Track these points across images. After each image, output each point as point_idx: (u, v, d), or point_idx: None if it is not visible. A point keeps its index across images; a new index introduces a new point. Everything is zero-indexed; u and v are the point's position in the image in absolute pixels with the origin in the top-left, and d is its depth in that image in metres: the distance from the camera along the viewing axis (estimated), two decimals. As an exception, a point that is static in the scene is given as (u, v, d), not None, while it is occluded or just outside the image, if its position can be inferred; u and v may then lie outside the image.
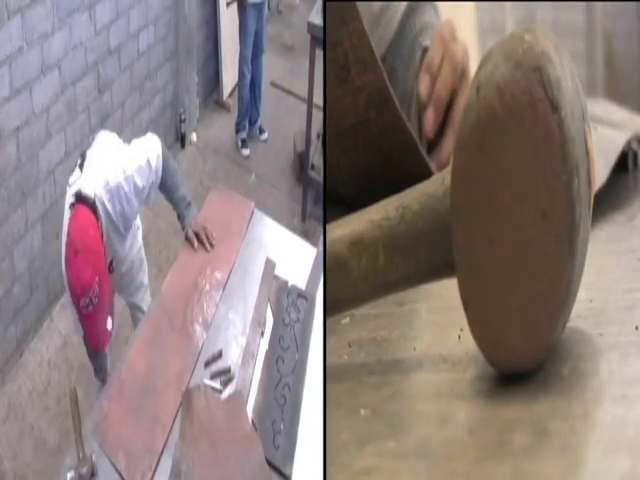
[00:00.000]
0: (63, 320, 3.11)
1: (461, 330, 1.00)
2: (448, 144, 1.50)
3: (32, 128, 2.74)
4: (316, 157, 3.95)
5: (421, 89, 1.50)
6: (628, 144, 1.48)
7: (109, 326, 2.11)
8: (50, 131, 2.89)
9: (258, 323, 1.94)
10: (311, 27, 3.56)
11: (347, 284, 1.00)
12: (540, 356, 0.89)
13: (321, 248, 2.21)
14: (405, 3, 1.66)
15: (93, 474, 1.48)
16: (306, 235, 3.14)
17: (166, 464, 1.52)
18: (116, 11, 3.32)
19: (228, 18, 4.81)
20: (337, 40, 1.32)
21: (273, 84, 5.23)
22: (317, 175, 3.88)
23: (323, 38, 1.36)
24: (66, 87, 2.97)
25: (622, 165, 1.48)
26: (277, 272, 2.15)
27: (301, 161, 4.23)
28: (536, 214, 0.85)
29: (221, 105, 4.99)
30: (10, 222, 2.70)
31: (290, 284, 2.11)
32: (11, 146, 2.62)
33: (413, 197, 0.99)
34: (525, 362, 0.89)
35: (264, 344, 1.88)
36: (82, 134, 3.18)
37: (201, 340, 1.86)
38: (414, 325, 1.15)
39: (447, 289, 1.00)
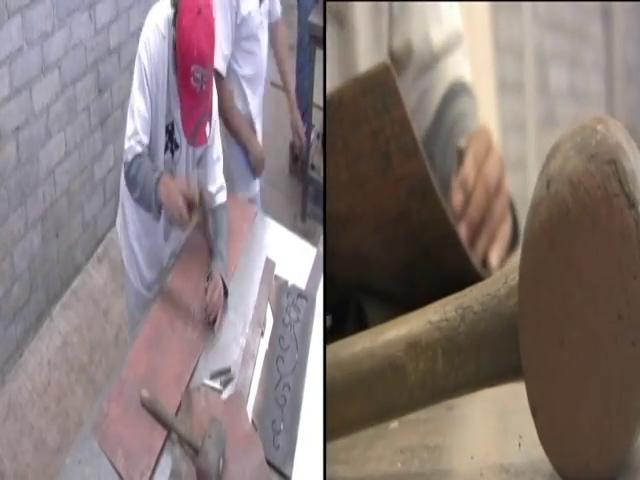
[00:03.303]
0: (63, 320, 3.11)
1: (520, 437, 0.93)
2: (476, 257, 1.44)
3: (32, 128, 2.74)
4: (316, 157, 3.95)
5: (455, 202, 1.46)
6: None
7: (207, 129, 1.96)
8: (50, 131, 2.89)
9: (258, 323, 1.94)
10: (311, 27, 3.56)
11: (403, 389, 0.93)
12: (615, 468, 0.82)
13: (321, 248, 2.21)
14: (442, 92, 1.66)
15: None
16: (306, 235, 3.14)
17: (166, 464, 1.52)
18: (116, 11, 3.32)
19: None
20: (379, 128, 1.26)
21: (273, 84, 5.22)
22: (317, 175, 3.87)
23: (323, 38, 1.34)
24: (66, 87, 2.97)
25: None
26: (277, 272, 2.15)
27: (294, 155, 4.21)
28: (611, 316, 0.79)
29: (221, 105, 4.99)
30: (10, 222, 2.69)
31: (290, 284, 2.11)
32: (11, 146, 2.62)
33: (473, 297, 0.93)
34: (599, 475, 0.82)
35: (264, 344, 1.88)
36: (82, 134, 3.17)
37: (202, 340, 1.86)
38: (467, 431, 1.09)
39: (499, 392, 0.94)
